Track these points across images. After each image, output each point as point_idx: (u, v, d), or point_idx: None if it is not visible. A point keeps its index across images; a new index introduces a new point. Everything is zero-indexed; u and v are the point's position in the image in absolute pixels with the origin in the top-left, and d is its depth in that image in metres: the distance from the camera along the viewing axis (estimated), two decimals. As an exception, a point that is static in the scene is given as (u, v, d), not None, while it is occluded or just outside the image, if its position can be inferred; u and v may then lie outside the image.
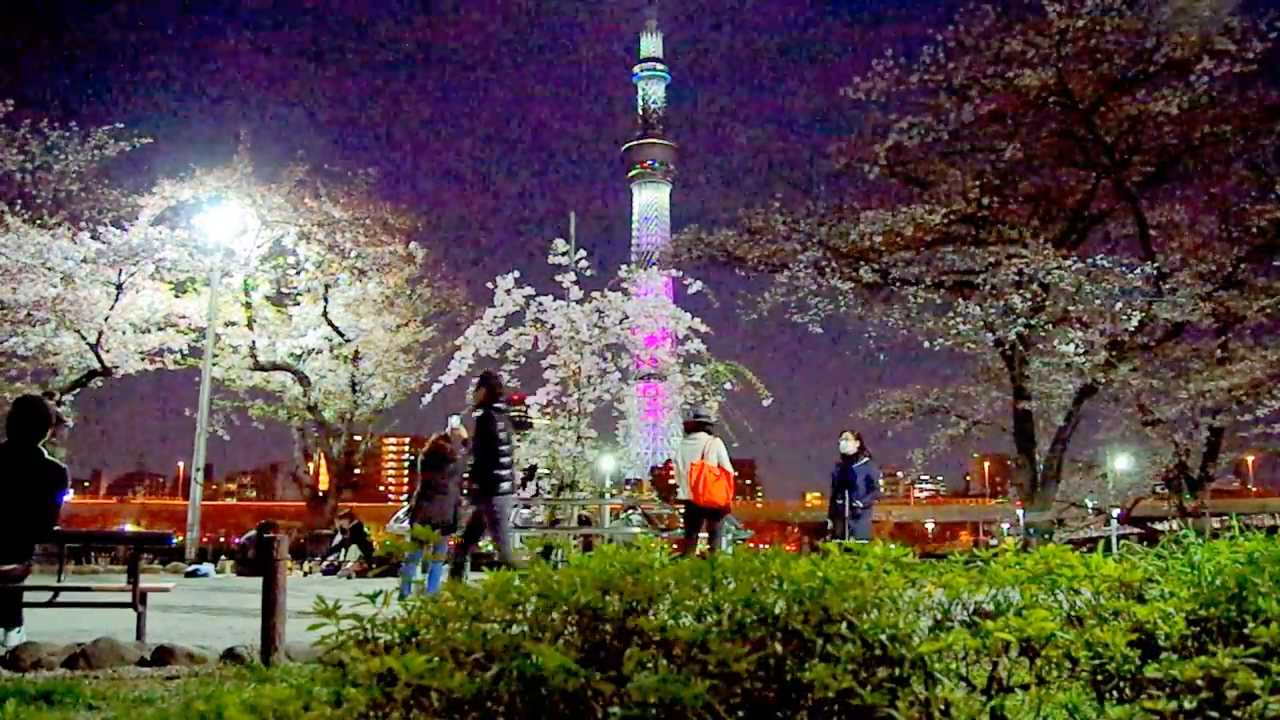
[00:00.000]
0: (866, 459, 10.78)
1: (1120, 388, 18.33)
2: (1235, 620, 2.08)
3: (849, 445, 10.74)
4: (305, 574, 18.12)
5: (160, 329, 20.21)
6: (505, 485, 7.87)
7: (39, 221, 18.39)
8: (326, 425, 23.15)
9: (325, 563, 18.21)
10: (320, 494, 24.55)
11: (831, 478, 10.96)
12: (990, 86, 16.31)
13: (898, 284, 18.10)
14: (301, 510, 27.13)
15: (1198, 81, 15.27)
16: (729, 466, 9.93)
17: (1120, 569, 2.33)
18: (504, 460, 7.84)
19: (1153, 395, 19.73)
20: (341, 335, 22.56)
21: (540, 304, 15.08)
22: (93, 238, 18.43)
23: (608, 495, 20.83)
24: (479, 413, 8.06)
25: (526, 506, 15.14)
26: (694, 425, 10.35)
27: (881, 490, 10.95)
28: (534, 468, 15.09)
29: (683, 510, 10.70)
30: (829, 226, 18.08)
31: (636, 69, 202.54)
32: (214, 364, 20.14)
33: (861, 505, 10.51)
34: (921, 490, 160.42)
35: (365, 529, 18.63)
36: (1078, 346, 16.98)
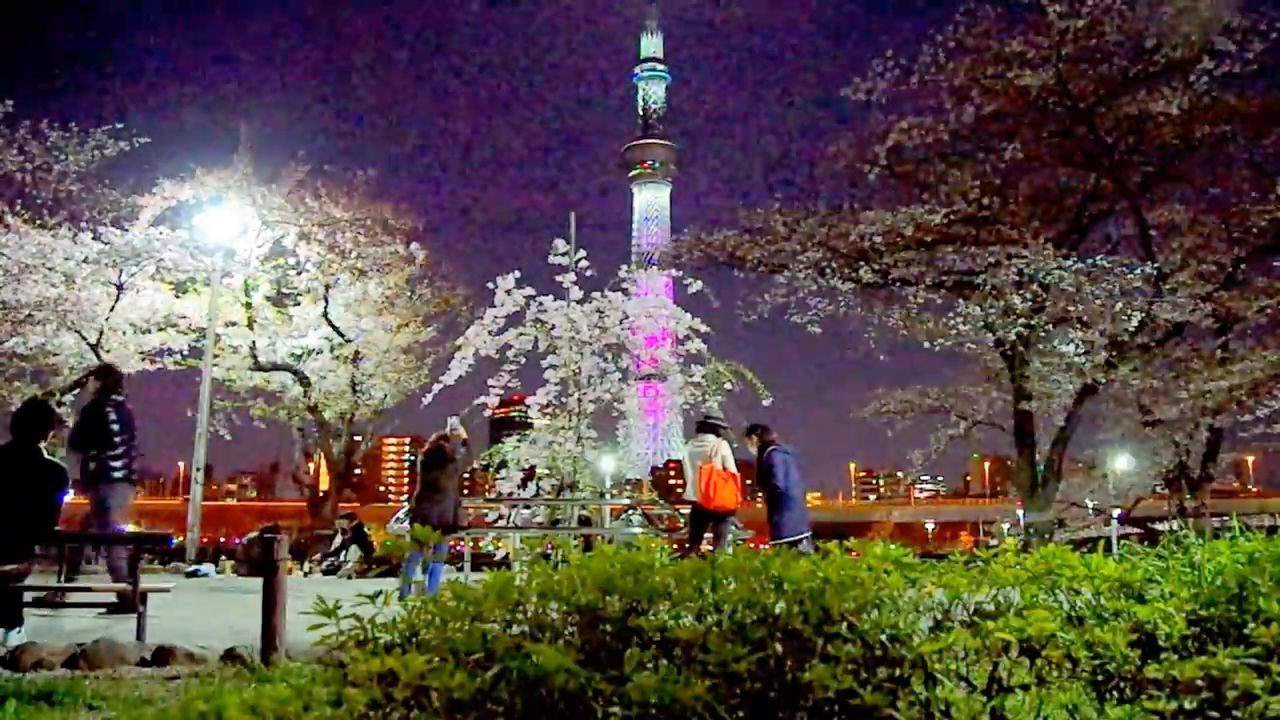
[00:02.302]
0: (771, 448, 9.75)
1: (1120, 388, 18.32)
2: (1235, 620, 2.08)
3: (750, 447, 9.91)
4: (305, 574, 18.12)
5: (161, 329, 20.22)
6: (117, 474, 7.96)
7: (39, 222, 18.39)
8: (327, 425, 23.14)
9: (326, 563, 18.21)
10: (321, 494, 24.55)
11: None
12: (990, 87, 16.30)
13: (898, 284, 18.10)
14: (302, 510, 27.13)
15: (1198, 81, 15.26)
16: (734, 468, 9.82)
17: (1120, 569, 2.33)
18: (115, 450, 7.94)
19: (1153, 395, 19.72)
20: (342, 335, 22.56)
21: (540, 304, 15.08)
22: (94, 238, 18.42)
23: (608, 495, 20.82)
24: (91, 400, 8.23)
25: (527, 507, 15.13)
26: (703, 426, 10.21)
27: (775, 482, 9.51)
28: (533, 468, 15.09)
29: (687, 512, 10.62)
30: (829, 227, 18.07)
31: (636, 69, 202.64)
32: (214, 364, 20.13)
33: (767, 502, 9.59)
34: (921, 490, 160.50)
35: (366, 529, 18.64)
36: (1078, 347, 16.98)
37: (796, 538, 9.38)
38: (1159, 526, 24.22)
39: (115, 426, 8.00)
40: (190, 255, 19.49)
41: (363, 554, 17.56)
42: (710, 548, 9.69)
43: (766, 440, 9.88)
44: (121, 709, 3.91)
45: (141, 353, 19.83)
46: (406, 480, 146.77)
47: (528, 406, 15.23)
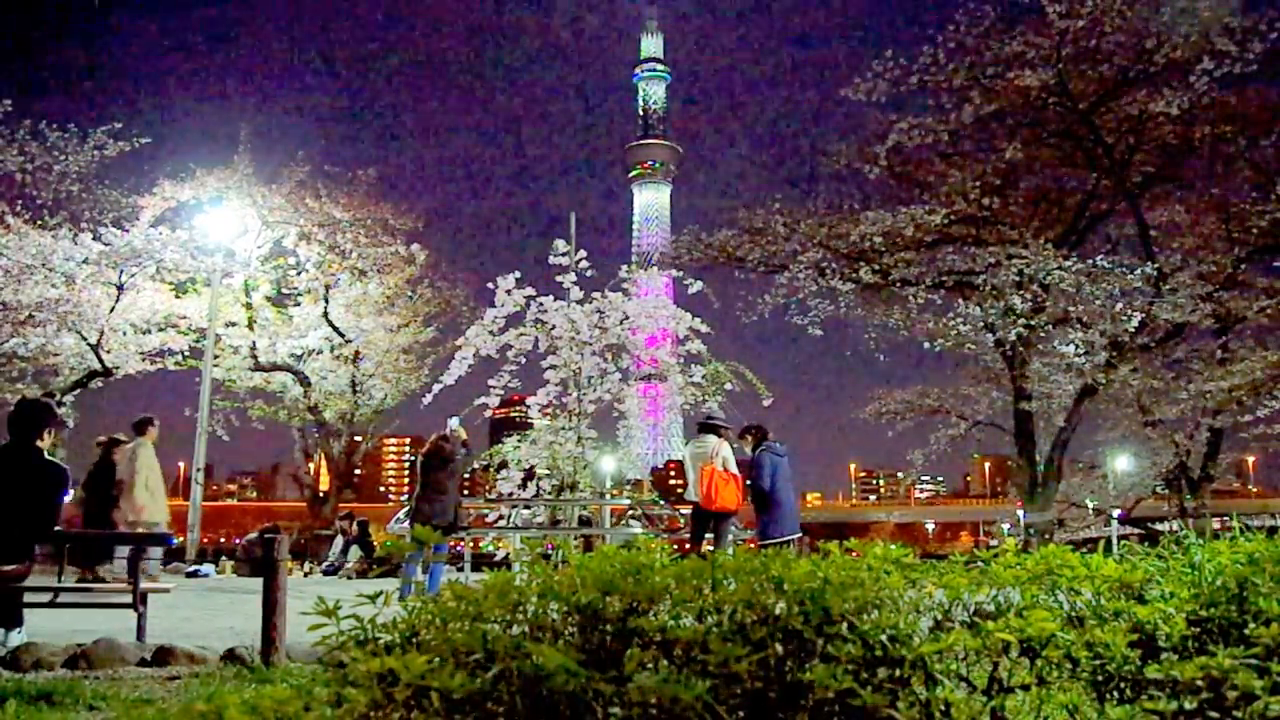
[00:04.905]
0: (761, 447, 9.70)
1: (1120, 388, 18.32)
2: (1236, 621, 2.08)
3: (746, 448, 9.87)
4: (305, 574, 18.12)
5: (161, 330, 20.20)
6: None
7: (39, 222, 18.38)
8: (327, 426, 23.14)
9: (327, 563, 18.22)
10: (321, 494, 24.55)
11: None
12: (990, 87, 16.31)
13: (898, 284, 18.10)
14: (302, 511, 27.13)
15: (1198, 82, 15.26)
16: (735, 469, 9.80)
17: (1121, 569, 2.33)
18: None
19: (1153, 396, 19.72)
20: (342, 336, 22.56)
21: (541, 304, 15.06)
22: (94, 238, 18.41)
23: (608, 496, 20.81)
24: None
25: (527, 507, 15.13)
26: (704, 427, 10.19)
27: (760, 484, 9.49)
28: (533, 468, 15.08)
29: (688, 512, 10.60)
30: (829, 227, 18.07)
31: (637, 70, 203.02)
32: (214, 365, 20.14)
33: (753, 504, 9.58)
34: (922, 491, 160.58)
35: (370, 528, 18.63)
36: (1078, 347, 16.99)
37: (784, 539, 9.36)
38: (1159, 526, 24.21)
39: None
40: (190, 256, 19.48)
41: (363, 554, 17.56)
42: (710, 548, 9.67)
43: (759, 440, 9.87)
44: (121, 709, 3.91)
45: (141, 353, 19.82)
46: (406, 480, 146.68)
47: (528, 407, 15.21)
